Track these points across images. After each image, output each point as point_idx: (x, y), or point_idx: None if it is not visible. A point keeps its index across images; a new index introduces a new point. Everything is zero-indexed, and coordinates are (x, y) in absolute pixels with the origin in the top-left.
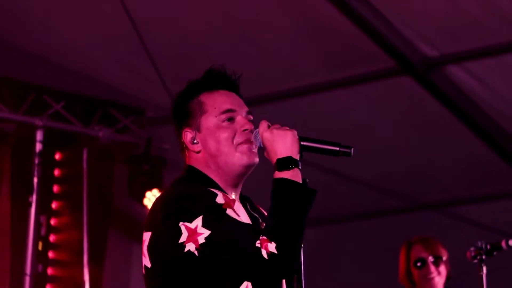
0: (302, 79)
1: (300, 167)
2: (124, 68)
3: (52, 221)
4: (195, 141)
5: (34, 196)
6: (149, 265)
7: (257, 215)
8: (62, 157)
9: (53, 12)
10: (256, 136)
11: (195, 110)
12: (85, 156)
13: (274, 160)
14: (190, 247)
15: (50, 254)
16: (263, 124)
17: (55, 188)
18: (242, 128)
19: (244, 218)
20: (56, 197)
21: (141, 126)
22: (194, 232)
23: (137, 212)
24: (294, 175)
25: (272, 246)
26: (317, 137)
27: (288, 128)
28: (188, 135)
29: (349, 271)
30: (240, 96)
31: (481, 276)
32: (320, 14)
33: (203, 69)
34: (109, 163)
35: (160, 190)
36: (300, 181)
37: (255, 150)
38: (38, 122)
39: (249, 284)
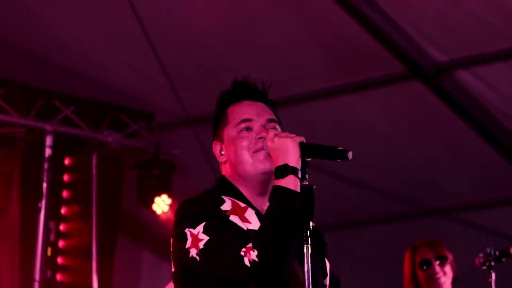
0: (312, 83)
1: (298, 174)
2: (133, 73)
3: (61, 227)
4: (222, 153)
5: (44, 202)
6: (172, 269)
7: None
8: (71, 162)
9: (63, 18)
10: (265, 145)
11: (221, 122)
12: (94, 161)
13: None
14: (193, 252)
15: (59, 260)
16: (270, 134)
17: (65, 194)
18: (258, 136)
19: (255, 225)
20: (66, 202)
21: (150, 131)
22: (196, 238)
23: (146, 217)
24: (288, 182)
25: (254, 254)
26: (320, 143)
27: (292, 135)
28: (216, 147)
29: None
30: (270, 105)
31: (490, 282)
32: (330, 19)
33: (213, 74)
34: (118, 168)
35: (169, 195)
36: (294, 188)
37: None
38: (48, 127)
39: None
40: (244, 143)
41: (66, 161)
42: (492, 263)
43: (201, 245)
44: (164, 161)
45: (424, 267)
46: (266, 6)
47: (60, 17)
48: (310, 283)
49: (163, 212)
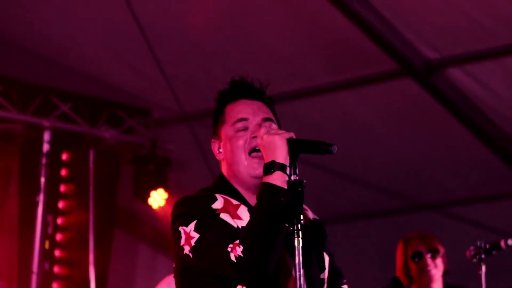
0: (306, 81)
1: (286, 170)
2: (130, 70)
3: (59, 220)
4: (220, 150)
5: (41, 196)
6: (173, 265)
7: None
8: (69, 157)
9: (61, 16)
10: (257, 143)
11: (219, 121)
12: (91, 157)
13: None
14: (186, 249)
15: (57, 253)
16: (261, 131)
17: (62, 188)
18: (252, 136)
19: (247, 221)
20: (63, 196)
21: (146, 127)
22: (189, 236)
23: (142, 211)
24: (275, 178)
25: (239, 250)
26: (310, 139)
27: (281, 132)
28: (215, 145)
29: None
30: (267, 103)
31: (480, 274)
32: (324, 17)
33: (208, 72)
34: (115, 163)
35: (165, 190)
36: (281, 184)
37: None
38: (46, 123)
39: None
40: (240, 142)
41: (64, 156)
42: (483, 256)
43: (192, 242)
44: (160, 156)
45: (416, 260)
46: (261, 5)
47: (58, 15)
48: (302, 276)
49: (159, 206)
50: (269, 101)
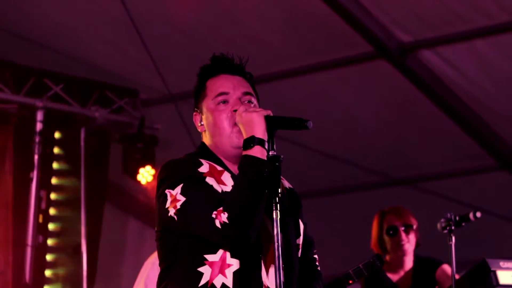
0: (285, 63)
1: (265, 145)
2: (119, 53)
3: (52, 196)
4: (201, 123)
5: (35, 172)
6: (155, 228)
7: None
8: (61, 136)
9: (53, 1)
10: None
11: (201, 95)
12: (82, 135)
13: None
14: (171, 212)
15: (50, 226)
16: (240, 109)
17: (55, 165)
18: (232, 109)
19: (230, 187)
20: (56, 173)
21: (134, 107)
22: (175, 199)
23: (131, 187)
24: (255, 152)
25: (224, 217)
26: (282, 116)
27: (258, 110)
28: (197, 118)
29: (326, 242)
30: (247, 78)
31: (450, 245)
32: (302, 3)
33: (193, 53)
34: (105, 142)
35: (152, 167)
36: (261, 157)
37: None
38: (39, 103)
39: (228, 253)
40: (223, 115)
41: (56, 135)
42: (453, 228)
43: (178, 205)
44: (147, 135)
45: (391, 233)
46: None
47: (51, 1)
48: (280, 246)
49: (147, 182)
50: (249, 76)
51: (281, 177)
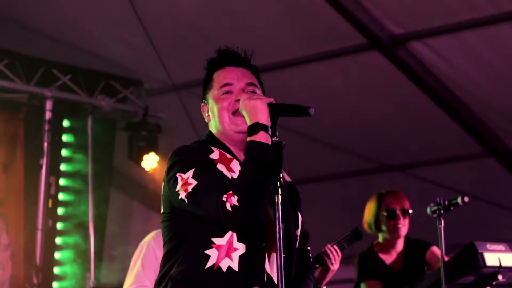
0: (284, 54)
1: (269, 131)
2: (124, 45)
3: (61, 181)
4: (207, 113)
5: (45, 159)
6: (162, 210)
7: None
8: (69, 124)
9: None
10: (240, 107)
11: (208, 86)
12: (89, 123)
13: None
14: (182, 195)
15: (59, 211)
16: (243, 97)
17: (63, 152)
18: (236, 99)
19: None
20: (64, 160)
21: (139, 97)
22: (186, 182)
23: (136, 173)
24: (260, 137)
25: (234, 199)
26: (285, 103)
27: (262, 97)
28: (204, 108)
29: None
30: (252, 69)
31: (440, 228)
32: None
33: (194, 45)
34: (110, 129)
35: (156, 153)
36: (266, 142)
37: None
38: (48, 93)
39: (234, 234)
40: (225, 104)
41: (64, 123)
42: (442, 211)
43: (189, 188)
44: (151, 123)
45: (389, 215)
46: None
47: None
48: (281, 228)
49: (151, 168)
50: (254, 68)
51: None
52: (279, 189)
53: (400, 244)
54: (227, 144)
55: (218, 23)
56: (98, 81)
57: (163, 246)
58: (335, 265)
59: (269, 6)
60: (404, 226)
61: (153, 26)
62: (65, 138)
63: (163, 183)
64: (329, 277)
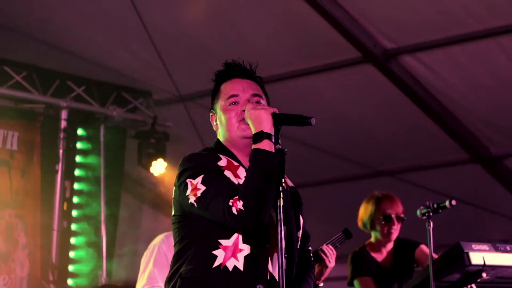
0: (283, 67)
1: (272, 139)
2: (134, 58)
3: (75, 185)
4: (215, 122)
5: (60, 165)
6: (173, 212)
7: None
8: (83, 132)
9: (76, 12)
10: (245, 117)
11: (216, 97)
12: (102, 132)
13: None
14: (192, 199)
15: (73, 213)
16: (249, 107)
17: (77, 158)
18: (242, 109)
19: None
20: (78, 165)
21: (148, 107)
22: (195, 188)
23: (144, 177)
24: (264, 145)
25: (240, 204)
26: (288, 113)
27: (266, 107)
28: (212, 118)
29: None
30: (258, 81)
31: (429, 230)
32: (298, 14)
33: (200, 60)
34: (121, 137)
35: (164, 160)
36: (270, 149)
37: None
38: (63, 103)
39: (240, 236)
40: (232, 114)
41: (79, 132)
42: (431, 214)
43: (198, 193)
44: (159, 131)
45: (385, 220)
46: (245, 4)
47: (74, 12)
48: (282, 230)
49: (159, 174)
50: (259, 80)
51: (285, 176)
52: (281, 193)
53: (390, 244)
54: (234, 152)
55: (221, 39)
56: (110, 92)
57: (174, 246)
58: (331, 263)
59: (269, 22)
60: (396, 231)
61: (161, 41)
62: (79, 145)
63: (174, 188)
64: (326, 273)
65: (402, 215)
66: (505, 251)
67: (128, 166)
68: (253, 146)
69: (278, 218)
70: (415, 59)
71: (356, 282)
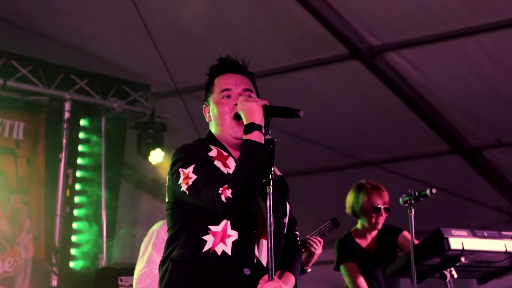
0: (274, 63)
1: (262, 130)
2: (134, 53)
3: (77, 173)
4: (208, 114)
5: (63, 154)
6: (166, 199)
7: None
8: (85, 123)
9: (79, 9)
10: (238, 109)
11: (209, 90)
12: (103, 123)
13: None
14: (184, 187)
15: (76, 199)
16: (241, 99)
17: (80, 148)
18: (234, 103)
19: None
20: (80, 154)
21: (147, 99)
22: (187, 176)
23: (143, 166)
24: (254, 136)
25: (229, 192)
26: (278, 106)
27: (257, 100)
28: (205, 110)
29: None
30: (249, 76)
31: (411, 216)
32: (289, 12)
33: (196, 55)
34: (121, 128)
35: (162, 150)
36: (259, 140)
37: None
38: (67, 95)
39: (228, 222)
40: (225, 108)
41: (81, 122)
42: (413, 201)
43: (190, 182)
44: (158, 123)
45: (375, 212)
46: (240, 3)
47: (77, 9)
48: (271, 216)
49: (157, 162)
50: (250, 75)
51: (274, 165)
52: (271, 181)
53: (375, 231)
54: (224, 144)
55: (216, 35)
56: (111, 86)
57: (167, 231)
58: (318, 250)
59: (261, 20)
60: (382, 220)
61: (160, 37)
62: (81, 135)
63: (167, 176)
64: (313, 260)
65: (388, 206)
66: (483, 237)
67: (128, 155)
68: (244, 137)
69: (268, 204)
70: (399, 55)
71: (342, 267)
